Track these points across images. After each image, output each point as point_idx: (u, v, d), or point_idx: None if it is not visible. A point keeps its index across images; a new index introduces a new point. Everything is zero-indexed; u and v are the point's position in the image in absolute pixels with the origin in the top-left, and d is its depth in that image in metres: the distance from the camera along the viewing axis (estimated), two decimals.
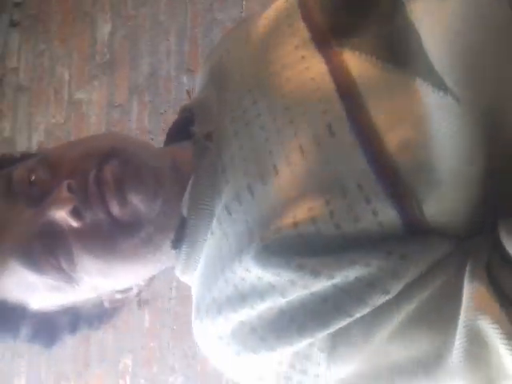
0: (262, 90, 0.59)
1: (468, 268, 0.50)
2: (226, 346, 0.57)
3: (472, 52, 0.51)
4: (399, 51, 0.53)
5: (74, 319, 0.67)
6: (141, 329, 2.27)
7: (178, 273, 0.65)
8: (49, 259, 0.58)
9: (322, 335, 0.52)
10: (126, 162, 0.58)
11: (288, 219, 0.52)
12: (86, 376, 2.45)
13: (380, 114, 0.52)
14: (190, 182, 0.60)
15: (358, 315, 0.51)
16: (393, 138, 0.51)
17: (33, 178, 0.58)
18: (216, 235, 0.58)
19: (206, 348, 0.61)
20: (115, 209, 0.57)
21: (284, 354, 0.55)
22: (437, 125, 0.51)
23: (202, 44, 2.24)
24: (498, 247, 0.50)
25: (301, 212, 0.52)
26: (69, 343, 2.52)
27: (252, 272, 0.54)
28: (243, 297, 0.55)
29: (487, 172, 0.52)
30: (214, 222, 0.58)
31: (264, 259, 0.52)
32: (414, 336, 0.51)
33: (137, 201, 0.57)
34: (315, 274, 0.51)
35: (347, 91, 0.53)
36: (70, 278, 0.59)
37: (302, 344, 0.53)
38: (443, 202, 0.51)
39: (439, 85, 0.51)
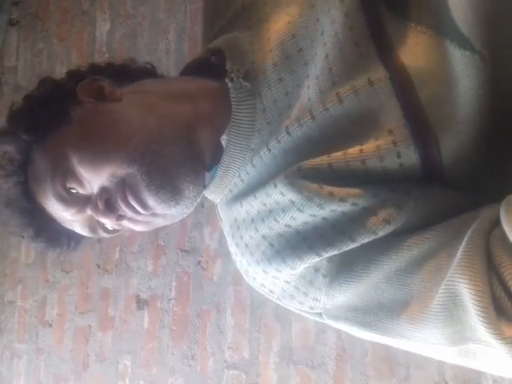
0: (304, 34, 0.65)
1: (470, 231, 0.54)
2: (250, 255, 0.67)
3: (493, 13, 0.57)
4: (430, 14, 0.59)
5: None
6: (140, 329, 2.26)
7: (206, 192, 0.73)
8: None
9: (327, 255, 0.60)
10: (145, 175, 0.64)
11: (323, 155, 0.60)
12: (84, 377, 2.44)
13: (416, 70, 0.58)
14: (230, 121, 0.67)
15: (360, 241, 0.59)
16: (426, 91, 0.58)
17: (71, 190, 0.68)
18: (257, 167, 0.67)
19: (235, 254, 0.71)
20: (148, 211, 0.67)
21: (292, 273, 0.63)
22: (464, 81, 0.57)
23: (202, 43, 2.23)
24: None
25: (334, 150, 0.60)
26: (68, 344, 2.50)
27: (279, 191, 0.62)
28: (270, 210, 0.64)
29: (499, 128, 0.58)
30: (256, 158, 0.66)
31: (299, 183, 0.61)
32: (406, 281, 0.57)
33: (165, 207, 0.67)
34: (331, 195, 0.59)
35: (386, 51, 0.60)
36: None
37: (309, 260, 0.61)
38: (460, 150, 0.58)
39: (465, 45, 0.56)
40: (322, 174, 0.60)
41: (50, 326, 2.61)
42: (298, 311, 0.68)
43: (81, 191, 0.67)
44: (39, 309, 2.68)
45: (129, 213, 0.66)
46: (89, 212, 0.68)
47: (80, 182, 0.66)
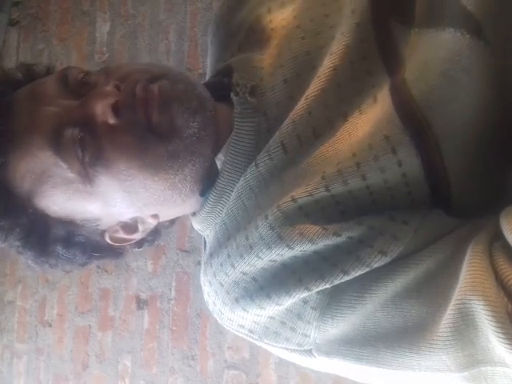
0: (320, 51, 0.62)
1: (471, 247, 0.51)
2: (226, 294, 0.60)
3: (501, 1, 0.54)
4: (435, 10, 0.56)
5: (70, 235, 0.65)
6: (140, 329, 2.26)
7: (195, 220, 0.67)
8: (76, 148, 0.58)
9: (317, 290, 0.55)
10: (175, 83, 0.60)
11: (318, 177, 0.56)
12: (84, 377, 2.44)
13: (409, 69, 0.55)
14: (231, 137, 0.62)
15: (353, 273, 0.54)
16: (420, 88, 0.54)
17: (85, 78, 0.61)
18: (240, 188, 0.61)
19: (208, 294, 0.64)
20: (155, 114, 0.58)
21: (277, 308, 0.57)
22: (465, 69, 0.54)
23: (202, 43, 2.23)
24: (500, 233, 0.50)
25: (329, 168, 0.56)
26: (68, 344, 2.49)
27: (269, 225, 0.56)
28: (251, 246, 0.57)
29: (502, 125, 0.55)
30: (241, 177, 0.61)
31: (292, 217, 0.55)
32: (405, 306, 0.52)
33: (176, 112, 0.58)
34: (324, 230, 0.54)
35: (394, 65, 0.57)
36: (87, 175, 0.59)
37: (297, 295, 0.55)
38: (461, 153, 0.55)
39: (472, 31, 0.54)
40: (318, 204, 0.55)
41: (50, 325, 2.61)
42: (283, 350, 0.60)
43: (93, 79, 0.61)
44: (39, 309, 2.67)
45: (142, 102, 0.58)
46: (81, 101, 0.59)
47: (99, 75, 0.62)
